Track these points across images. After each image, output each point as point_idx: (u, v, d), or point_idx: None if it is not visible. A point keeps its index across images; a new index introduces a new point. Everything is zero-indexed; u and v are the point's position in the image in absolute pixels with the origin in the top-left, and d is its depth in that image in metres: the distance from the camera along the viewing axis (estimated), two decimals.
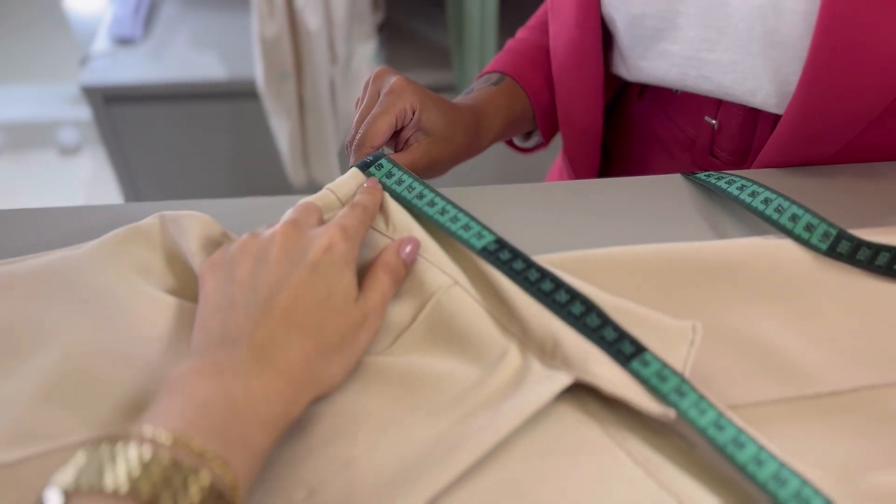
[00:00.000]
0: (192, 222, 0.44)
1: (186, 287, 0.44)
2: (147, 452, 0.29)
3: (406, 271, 0.44)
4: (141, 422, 0.32)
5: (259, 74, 1.62)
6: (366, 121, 0.53)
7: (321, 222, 0.45)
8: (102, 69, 1.76)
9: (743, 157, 0.62)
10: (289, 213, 0.43)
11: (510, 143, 0.76)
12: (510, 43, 0.73)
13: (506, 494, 0.35)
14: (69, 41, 2.08)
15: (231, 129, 1.84)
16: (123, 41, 1.84)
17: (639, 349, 0.38)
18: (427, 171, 0.57)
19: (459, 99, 0.65)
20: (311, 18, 1.56)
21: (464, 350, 0.42)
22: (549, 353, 0.40)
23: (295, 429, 0.38)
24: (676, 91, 0.64)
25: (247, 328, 0.36)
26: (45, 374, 0.38)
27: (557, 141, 0.75)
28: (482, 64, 1.70)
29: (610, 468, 0.36)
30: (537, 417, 0.38)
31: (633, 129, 0.72)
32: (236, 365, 0.35)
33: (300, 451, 0.37)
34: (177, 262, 0.44)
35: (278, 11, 1.54)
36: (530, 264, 0.43)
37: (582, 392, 0.39)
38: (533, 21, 0.75)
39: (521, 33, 0.74)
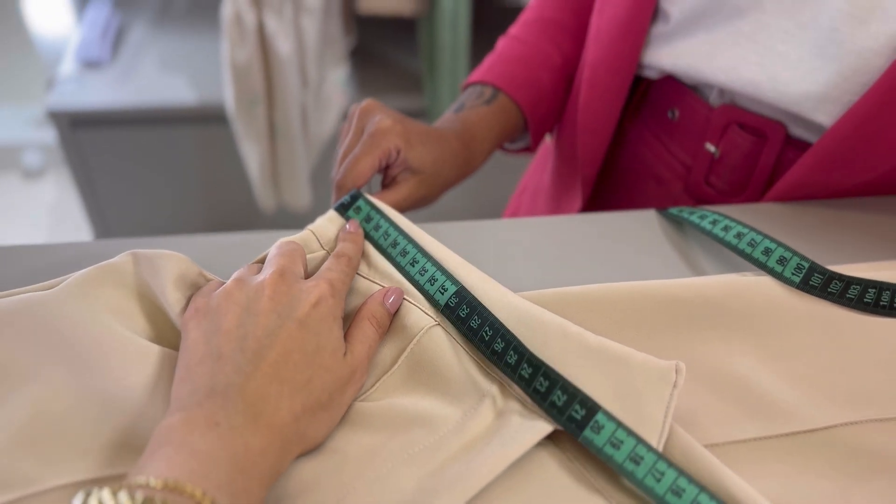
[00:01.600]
0: (166, 262, 0.43)
1: (159, 329, 0.43)
2: (159, 500, 0.29)
3: (390, 321, 0.44)
4: (138, 471, 0.31)
5: (229, 99, 1.61)
6: (347, 161, 0.53)
7: (306, 268, 0.45)
8: (69, 93, 1.73)
9: (740, 189, 0.61)
10: (275, 260, 0.42)
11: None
12: (503, 44, 0.71)
13: None
14: (34, 63, 2.06)
15: (200, 154, 1.83)
16: (91, 64, 1.82)
17: (591, 412, 0.37)
18: (414, 205, 0.57)
19: (448, 118, 0.64)
20: (282, 44, 1.56)
21: (444, 392, 0.41)
22: (518, 399, 0.40)
23: None
24: (673, 115, 0.64)
25: (237, 381, 0.36)
26: (19, 419, 0.37)
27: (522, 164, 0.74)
28: (453, 89, 1.71)
29: None
30: (518, 464, 0.38)
31: (623, 160, 0.71)
32: (231, 418, 0.34)
33: (280, 498, 0.36)
34: (149, 303, 0.43)
35: (249, 37, 1.53)
36: (485, 320, 0.42)
37: (562, 438, 0.39)
38: (530, 15, 0.73)
39: (518, 31, 0.72)
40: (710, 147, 0.61)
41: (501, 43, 0.72)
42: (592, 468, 0.38)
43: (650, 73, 0.63)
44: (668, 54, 0.60)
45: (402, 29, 1.96)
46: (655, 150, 0.67)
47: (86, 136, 1.76)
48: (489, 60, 0.70)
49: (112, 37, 1.89)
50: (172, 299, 0.41)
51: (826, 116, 0.52)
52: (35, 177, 2.28)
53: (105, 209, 1.89)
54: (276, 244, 0.45)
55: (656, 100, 0.66)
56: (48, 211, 2.20)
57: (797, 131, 0.56)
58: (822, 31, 0.51)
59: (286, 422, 0.36)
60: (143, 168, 1.83)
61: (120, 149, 1.79)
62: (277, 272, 0.41)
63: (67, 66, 1.81)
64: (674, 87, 0.63)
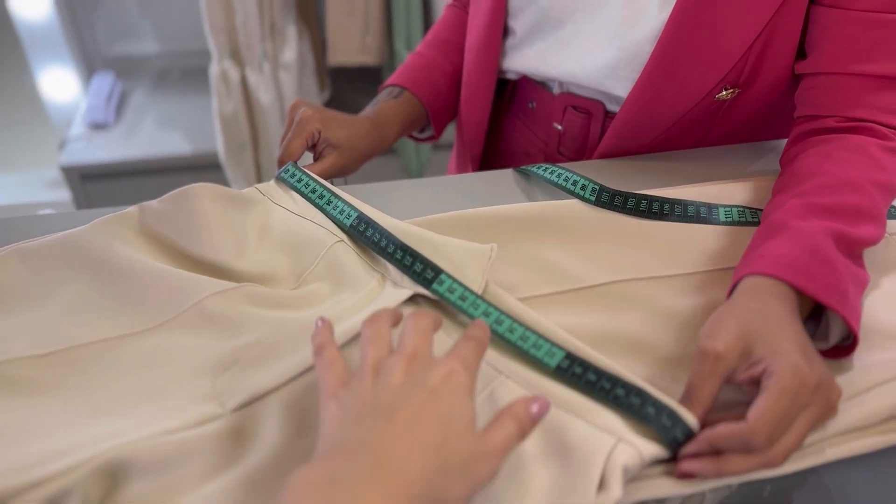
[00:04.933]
0: (193, 201, 0.63)
1: (152, 252, 0.62)
2: None
3: (532, 427, 0.42)
4: None
5: (220, 146, 1.84)
6: (283, 144, 0.74)
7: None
8: (79, 151, 1.97)
9: (580, 153, 0.83)
10: (409, 340, 0.43)
11: (410, 136, 0.95)
12: (411, 57, 0.93)
13: None
14: (48, 131, 2.30)
15: None
16: (97, 126, 2.05)
17: (437, 273, 0.57)
18: (339, 172, 0.77)
19: (366, 109, 0.85)
20: (264, 95, 1.80)
21: (345, 282, 0.61)
22: (399, 283, 0.59)
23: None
24: (532, 106, 0.85)
25: (367, 438, 0.37)
26: (61, 303, 0.57)
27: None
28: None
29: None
30: None
31: (503, 143, 0.93)
32: (353, 474, 0.35)
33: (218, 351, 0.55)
34: (146, 238, 0.63)
35: (234, 90, 1.77)
36: (381, 232, 0.62)
37: (419, 302, 0.58)
38: (430, 37, 0.94)
39: (421, 48, 0.94)
40: (557, 126, 0.82)
41: (409, 58, 0.94)
42: (442, 318, 0.57)
43: (511, 76, 0.85)
44: (519, 60, 0.81)
45: (369, 81, 2.20)
46: (523, 133, 0.88)
47: (94, 188, 1.99)
48: (398, 70, 0.91)
49: (116, 102, 2.14)
50: (214, 215, 0.64)
51: (622, 90, 0.73)
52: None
53: None
54: (412, 317, 0.45)
55: (520, 96, 0.87)
56: None
57: (612, 107, 0.77)
58: (611, 30, 0.72)
59: (415, 479, 0.36)
60: None
61: (126, 198, 2.02)
62: (409, 355, 0.42)
63: (77, 129, 2.05)
64: (529, 85, 0.84)
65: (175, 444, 0.47)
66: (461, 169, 0.98)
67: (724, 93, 0.71)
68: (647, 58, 0.70)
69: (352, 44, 1.85)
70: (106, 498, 0.45)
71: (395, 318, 0.47)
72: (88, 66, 2.25)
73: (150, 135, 2.04)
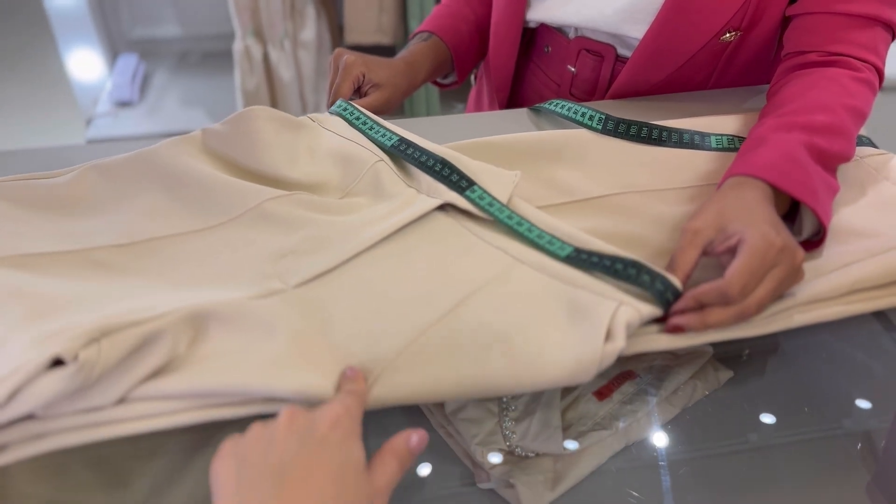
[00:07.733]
0: (250, 122, 0.72)
1: (214, 168, 0.71)
2: None
3: (412, 459, 0.46)
4: None
5: None
6: (333, 89, 0.83)
7: None
8: (105, 126, 2.06)
9: (591, 94, 0.92)
10: (285, 408, 0.45)
11: (434, 82, 1.04)
12: (437, 8, 1.02)
13: (400, 256, 0.62)
14: (74, 110, 2.39)
15: None
16: (123, 104, 2.15)
17: (470, 183, 0.66)
18: (384, 107, 0.86)
19: (401, 53, 0.94)
20: (285, 72, 1.89)
21: (383, 196, 0.70)
22: (431, 195, 0.68)
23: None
24: (547, 50, 0.94)
25: None
26: (140, 207, 0.66)
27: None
28: (427, 102, 2.04)
29: (458, 240, 0.64)
30: (429, 225, 0.65)
31: (519, 85, 1.02)
32: None
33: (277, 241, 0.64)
34: (209, 155, 0.72)
35: (257, 67, 1.86)
36: (421, 150, 0.71)
37: (453, 212, 0.66)
38: None
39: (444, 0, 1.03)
40: (571, 68, 0.91)
41: (435, 8, 1.03)
42: (469, 222, 0.66)
43: (532, 24, 0.94)
44: (542, 10, 0.90)
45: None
46: (538, 76, 0.98)
47: None
48: (427, 19, 1.01)
49: (140, 81, 2.23)
50: (276, 141, 0.72)
51: (637, 33, 0.82)
52: None
53: None
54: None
55: (537, 42, 0.96)
56: None
57: (623, 51, 0.86)
58: None
59: None
60: None
61: None
62: (290, 411, 0.44)
63: (103, 107, 2.15)
64: (546, 31, 0.93)
65: (248, 306, 0.55)
66: (487, 109, 1.07)
67: (727, 35, 0.79)
68: (661, 2, 0.79)
69: (368, 24, 1.94)
70: (190, 346, 0.53)
71: None
72: (113, 48, 2.35)
73: (172, 112, 2.13)
